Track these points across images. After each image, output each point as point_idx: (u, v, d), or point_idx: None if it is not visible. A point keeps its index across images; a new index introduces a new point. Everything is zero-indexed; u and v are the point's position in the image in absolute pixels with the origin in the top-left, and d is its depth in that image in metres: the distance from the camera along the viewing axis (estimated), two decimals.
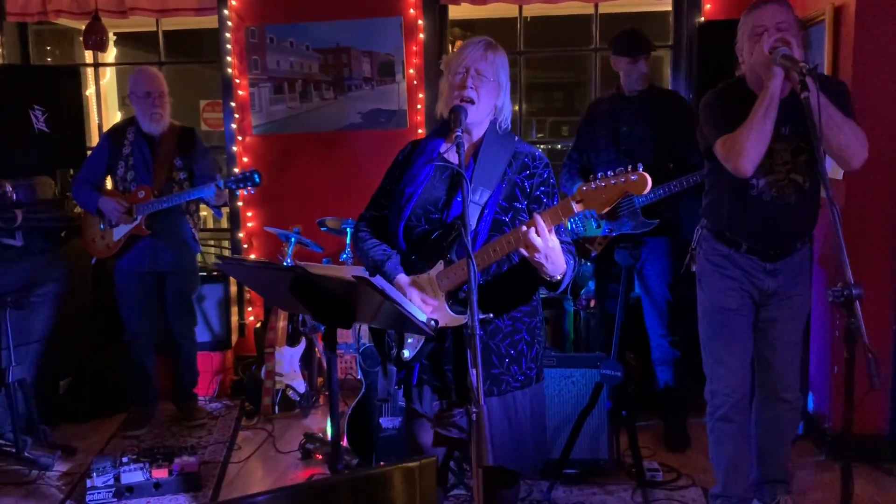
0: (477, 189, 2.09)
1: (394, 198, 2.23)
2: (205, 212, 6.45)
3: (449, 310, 2.08)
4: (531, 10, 4.93)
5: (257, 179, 3.75)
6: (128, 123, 4.02)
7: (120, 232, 3.90)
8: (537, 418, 2.26)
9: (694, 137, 2.81)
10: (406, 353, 2.14)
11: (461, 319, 2.06)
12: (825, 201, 2.09)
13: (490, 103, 2.15)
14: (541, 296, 2.27)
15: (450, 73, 2.16)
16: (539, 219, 1.88)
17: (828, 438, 3.49)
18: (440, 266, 2.09)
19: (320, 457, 3.63)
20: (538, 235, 1.87)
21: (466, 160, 2.16)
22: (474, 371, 1.72)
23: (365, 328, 3.95)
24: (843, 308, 1.99)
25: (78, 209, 4.19)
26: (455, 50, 2.20)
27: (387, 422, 3.31)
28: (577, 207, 1.88)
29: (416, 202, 2.16)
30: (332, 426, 2.11)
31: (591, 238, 3.72)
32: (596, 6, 4.69)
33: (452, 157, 2.14)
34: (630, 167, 1.82)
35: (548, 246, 1.88)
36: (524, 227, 1.89)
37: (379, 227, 2.28)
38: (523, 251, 1.91)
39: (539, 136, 9.93)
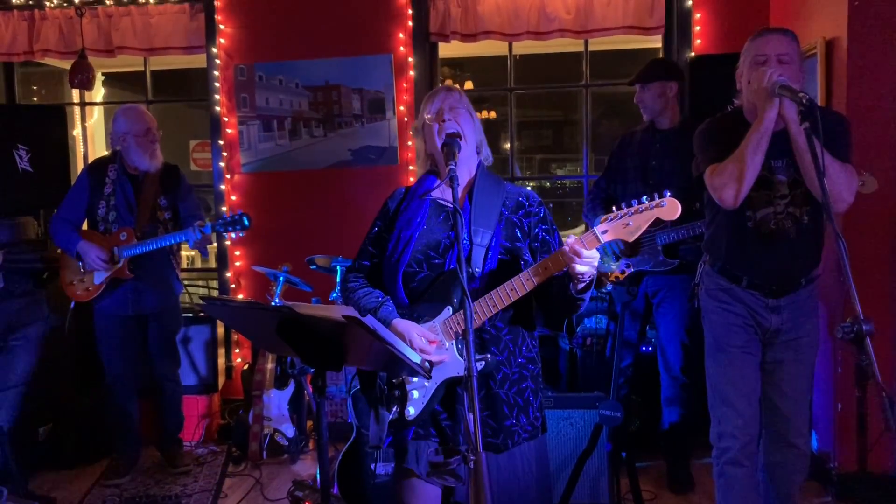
0: (478, 231, 2.05)
1: (388, 245, 2.15)
2: (192, 251, 6.38)
3: (458, 356, 2.00)
4: (521, 48, 4.94)
5: (246, 223, 3.63)
6: (108, 161, 3.90)
7: (101, 275, 3.76)
8: (542, 472, 2.16)
9: None
10: (411, 411, 2.01)
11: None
12: (829, 238, 2.04)
13: (472, 135, 2.15)
14: (538, 348, 2.23)
15: (426, 122, 2.18)
16: (574, 240, 1.89)
17: (834, 479, 3.39)
18: (447, 312, 2.02)
19: None
20: (584, 248, 1.89)
21: (461, 200, 2.12)
22: (471, 416, 1.63)
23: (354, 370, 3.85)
24: (853, 345, 1.91)
25: (58, 249, 4.08)
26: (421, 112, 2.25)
27: (380, 468, 3.19)
28: (604, 238, 1.89)
29: (415, 247, 2.09)
30: (321, 474, 2.01)
31: (605, 273, 3.65)
32: (586, 43, 4.69)
33: (447, 196, 2.11)
34: (657, 194, 1.86)
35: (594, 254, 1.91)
36: (567, 246, 1.89)
37: (371, 278, 2.20)
38: (575, 266, 1.89)
39: (528, 173, 9.98)
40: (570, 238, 1.90)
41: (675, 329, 3.60)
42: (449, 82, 2.03)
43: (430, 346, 1.99)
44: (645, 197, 1.87)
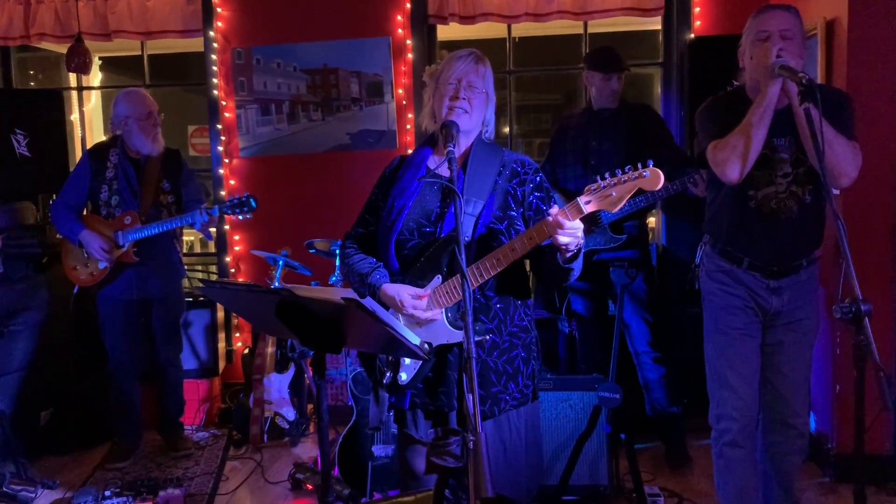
0: (469, 200, 2.05)
1: (382, 213, 2.18)
2: (192, 236, 6.37)
3: (448, 325, 2.02)
4: (520, 30, 4.91)
5: (254, 205, 3.65)
6: (110, 144, 3.90)
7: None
8: (532, 441, 2.18)
9: (663, 150, 2.77)
10: (403, 376, 2.06)
11: (460, 335, 2.00)
12: (829, 219, 2.03)
13: (481, 114, 2.14)
14: (533, 316, 2.23)
15: (440, 84, 2.14)
16: (558, 211, 1.87)
17: (832, 460, 3.41)
18: (437, 280, 2.04)
19: (311, 487, 3.51)
20: (567, 218, 1.86)
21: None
22: (470, 396, 1.64)
23: (354, 352, 3.86)
24: (851, 325, 1.91)
25: (59, 235, 4.08)
26: (442, 61, 2.19)
27: (379, 450, 3.21)
28: (587, 208, 1.87)
29: (408, 215, 2.12)
30: (322, 457, 2.02)
31: None
32: (585, 25, 4.66)
33: (443, 172, 2.10)
34: (640, 164, 1.82)
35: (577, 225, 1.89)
36: (550, 216, 1.86)
37: (367, 245, 2.24)
38: (558, 237, 1.87)
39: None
40: (554, 208, 1.89)
41: (635, 307, 3.65)
42: (445, 53, 1.99)
43: (421, 301, 2.01)
44: (628, 167, 1.85)
